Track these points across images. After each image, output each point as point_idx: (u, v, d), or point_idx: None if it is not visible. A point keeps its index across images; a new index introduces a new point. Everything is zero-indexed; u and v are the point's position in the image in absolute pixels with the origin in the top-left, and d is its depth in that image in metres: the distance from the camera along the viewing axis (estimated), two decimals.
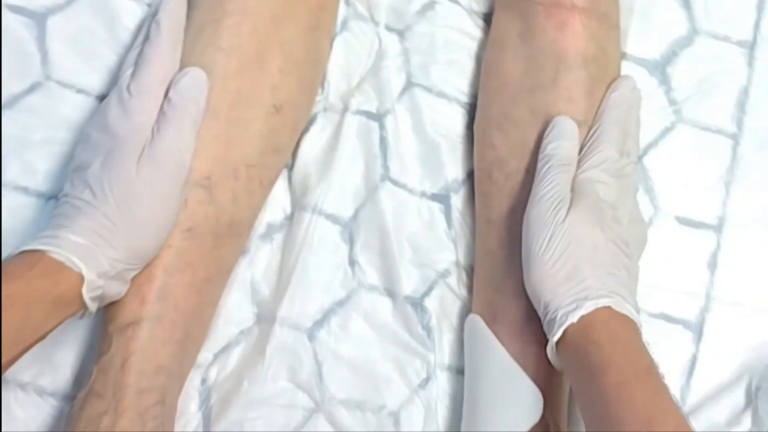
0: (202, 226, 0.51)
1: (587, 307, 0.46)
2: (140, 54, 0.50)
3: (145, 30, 0.52)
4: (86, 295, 0.45)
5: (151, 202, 0.47)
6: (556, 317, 0.46)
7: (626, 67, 0.60)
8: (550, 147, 0.50)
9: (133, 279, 0.50)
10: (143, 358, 0.49)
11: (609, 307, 0.46)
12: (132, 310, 0.49)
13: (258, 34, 0.53)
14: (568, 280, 0.47)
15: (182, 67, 0.52)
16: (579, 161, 0.52)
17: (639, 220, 0.51)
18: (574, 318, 0.45)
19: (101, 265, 0.45)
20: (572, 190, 0.50)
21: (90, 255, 0.45)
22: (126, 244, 0.46)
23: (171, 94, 0.49)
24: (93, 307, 0.46)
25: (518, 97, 0.54)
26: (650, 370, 0.44)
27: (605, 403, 0.42)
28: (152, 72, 0.49)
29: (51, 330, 0.45)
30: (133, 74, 0.50)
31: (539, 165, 0.51)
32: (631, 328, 0.46)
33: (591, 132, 0.52)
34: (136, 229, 0.47)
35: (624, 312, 0.46)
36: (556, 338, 0.46)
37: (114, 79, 0.57)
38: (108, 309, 0.51)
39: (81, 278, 0.45)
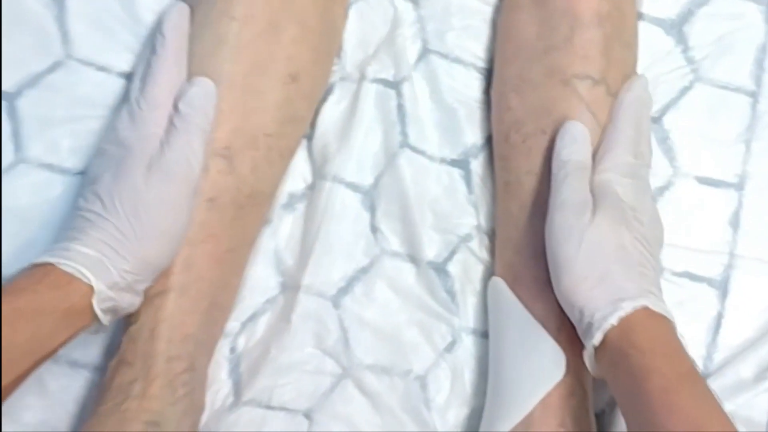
0: (224, 197, 0.52)
1: (625, 309, 0.46)
2: (147, 66, 0.51)
3: (152, 43, 0.53)
4: (97, 307, 0.46)
5: (160, 212, 0.48)
6: (593, 321, 0.47)
7: (642, 27, 0.61)
8: (565, 152, 0.51)
9: None
10: (171, 327, 0.51)
11: (646, 307, 0.46)
12: (158, 282, 0.51)
13: (271, 4, 0.54)
14: (602, 282, 0.47)
15: (192, 40, 0.53)
16: (595, 162, 0.52)
17: (657, 220, 0.52)
18: (613, 320, 0.46)
19: (111, 277, 0.46)
20: (591, 192, 0.50)
21: (100, 266, 0.46)
22: (136, 255, 0.47)
23: (180, 105, 0.50)
24: (105, 320, 0.46)
25: (533, 59, 0.55)
26: (693, 374, 0.45)
27: (650, 410, 0.43)
28: (160, 83, 0.50)
29: (63, 343, 0.45)
30: (141, 86, 0.50)
31: (555, 170, 0.51)
32: (669, 328, 0.47)
33: (605, 132, 0.53)
34: (146, 240, 0.47)
35: (660, 311, 0.47)
36: (597, 342, 0.46)
37: (135, 56, 0.59)
38: None
39: (91, 290, 0.45)
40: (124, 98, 0.51)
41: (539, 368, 0.51)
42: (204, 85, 0.51)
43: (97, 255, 0.46)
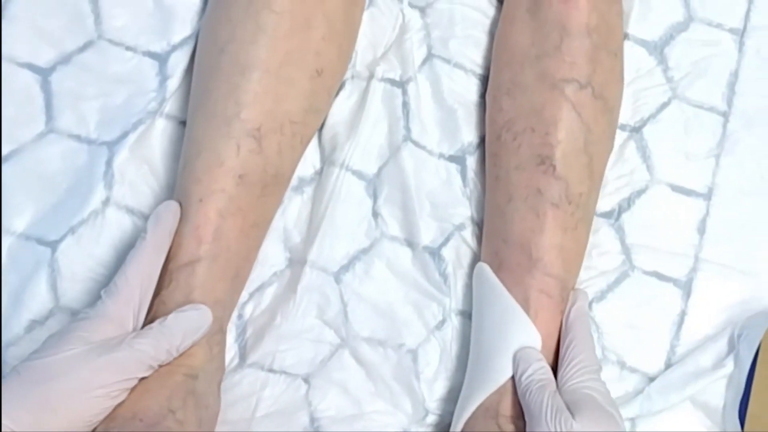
0: (252, 174, 0.60)
1: None
2: (132, 254, 0.55)
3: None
4: None
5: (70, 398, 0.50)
6: None
7: (627, 46, 0.70)
8: (525, 376, 0.55)
9: (191, 222, 0.58)
10: (203, 293, 0.57)
11: None
12: (190, 251, 0.58)
13: (306, 3, 0.62)
14: None
15: (231, 20, 0.60)
16: (562, 370, 0.57)
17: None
18: None
19: None
20: (566, 400, 0.54)
21: None
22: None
23: (174, 325, 0.55)
24: None
25: (525, 64, 0.64)
26: None
27: None
28: (129, 277, 0.54)
29: None
30: (122, 269, 0.54)
31: (521, 392, 0.55)
32: None
33: (564, 342, 0.58)
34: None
35: None
36: None
37: (159, 35, 0.66)
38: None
39: None
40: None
41: (516, 347, 0.59)
42: (201, 314, 0.56)
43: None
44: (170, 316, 0.54)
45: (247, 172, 0.59)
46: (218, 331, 0.57)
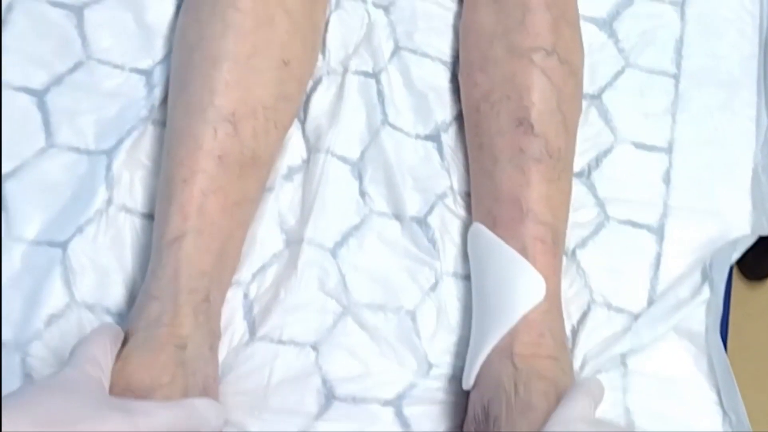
0: (230, 156, 0.69)
1: None
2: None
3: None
4: None
5: None
6: None
7: (581, 24, 0.82)
8: None
9: (176, 201, 0.67)
10: (189, 264, 0.65)
11: None
12: (177, 226, 0.66)
13: (267, 1, 0.72)
14: None
15: (200, 21, 0.71)
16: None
17: None
18: None
19: None
20: None
21: None
22: None
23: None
24: None
25: (493, 41, 0.75)
26: None
27: None
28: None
29: None
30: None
31: None
32: None
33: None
34: None
35: None
36: None
37: (143, 53, 0.76)
38: (156, 228, 0.68)
39: None
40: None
41: (522, 292, 0.68)
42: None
43: None
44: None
45: (225, 153, 0.67)
46: (204, 300, 0.64)
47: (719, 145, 0.80)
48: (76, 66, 0.77)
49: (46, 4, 0.78)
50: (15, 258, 0.70)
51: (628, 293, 0.74)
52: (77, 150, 0.75)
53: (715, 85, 0.82)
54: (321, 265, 0.73)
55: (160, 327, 0.64)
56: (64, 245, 0.70)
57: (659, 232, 0.77)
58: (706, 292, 0.72)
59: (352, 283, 0.73)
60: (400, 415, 0.68)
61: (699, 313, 0.73)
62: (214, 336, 0.67)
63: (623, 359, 0.72)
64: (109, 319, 0.70)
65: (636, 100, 0.81)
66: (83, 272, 0.70)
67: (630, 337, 0.72)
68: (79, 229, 0.71)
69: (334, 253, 0.74)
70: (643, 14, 0.84)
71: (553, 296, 0.69)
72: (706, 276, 0.73)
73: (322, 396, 0.68)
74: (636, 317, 0.73)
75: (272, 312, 0.71)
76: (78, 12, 0.79)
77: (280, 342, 0.70)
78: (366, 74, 0.80)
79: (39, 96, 0.76)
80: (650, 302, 0.74)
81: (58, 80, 0.77)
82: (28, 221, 0.72)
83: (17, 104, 0.75)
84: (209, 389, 0.63)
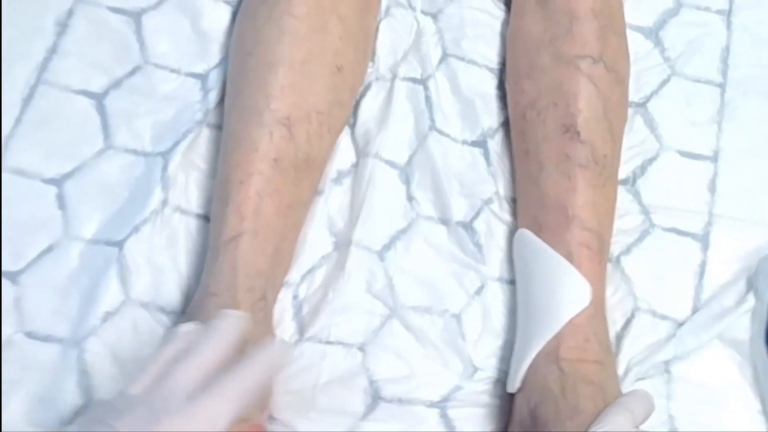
0: (285, 159, 0.70)
1: None
2: None
3: None
4: None
5: None
6: None
7: (627, 33, 0.82)
8: None
9: (233, 202, 0.68)
10: (246, 264, 0.67)
11: None
12: (234, 226, 0.68)
13: (322, 8, 0.74)
14: None
15: (256, 27, 0.73)
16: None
17: None
18: None
19: None
20: None
21: None
22: None
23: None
24: None
25: (540, 49, 0.76)
26: None
27: None
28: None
29: None
30: None
31: None
32: None
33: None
34: None
35: None
36: None
37: (199, 58, 0.78)
38: (213, 228, 0.70)
39: None
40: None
41: (568, 296, 0.68)
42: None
43: None
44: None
45: (280, 156, 0.69)
46: (262, 298, 0.66)
47: (765, 155, 0.80)
48: (134, 70, 0.79)
49: (106, 10, 0.80)
50: (73, 256, 0.72)
51: (673, 301, 0.74)
52: (134, 152, 0.76)
53: (762, 95, 0.82)
54: (368, 268, 0.74)
55: None
56: (120, 244, 0.72)
57: (704, 240, 0.77)
58: (750, 300, 0.72)
59: (398, 285, 0.74)
60: (444, 416, 0.69)
61: (743, 321, 0.73)
62: (269, 334, 0.68)
63: (667, 366, 0.72)
64: (162, 318, 0.71)
65: (682, 108, 0.81)
66: (138, 271, 0.71)
67: (674, 344, 0.73)
68: (135, 229, 0.72)
69: (381, 255, 0.75)
70: (689, 23, 0.84)
71: (598, 302, 0.69)
72: (750, 285, 0.73)
73: (368, 396, 0.69)
74: (680, 325, 0.74)
75: (320, 313, 0.72)
76: (136, 18, 0.80)
77: (328, 342, 0.72)
78: (414, 80, 0.80)
79: (98, 99, 0.77)
80: (694, 310, 0.75)
81: (116, 84, 0.78)
82: (87, 221, 0.74)
83: (77, 107, 0.77)
84: (264, 385, 0.64)
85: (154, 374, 0.53)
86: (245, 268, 0.67)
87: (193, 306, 0.68)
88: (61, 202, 0.73)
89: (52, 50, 0.78)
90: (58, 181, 0.74)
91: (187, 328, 0.56)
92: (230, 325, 0.56)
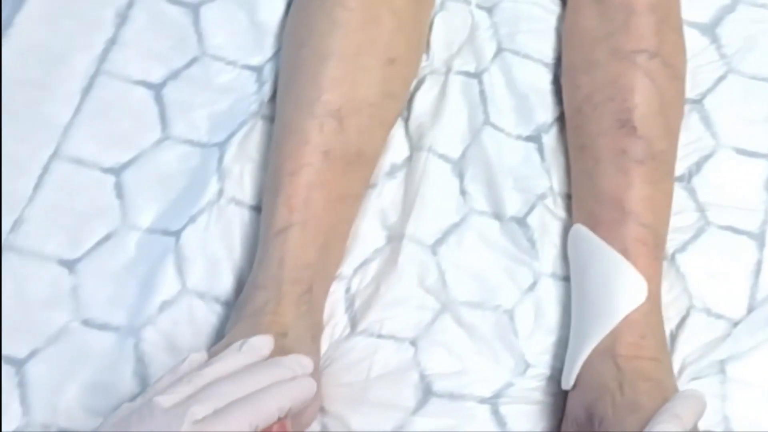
0: (335, 151, 0.70)
1: None
2: None
3: None
4: None
5: None
6: None
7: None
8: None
9: (283, 193, 0.69)
10: (294, 256, 0.67)
11: None
12: (283, 218, 0.68)
13: (374, 0, 0.73)
14: None
15: (309, 18, 0.73)
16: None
17: None
18: None
19: None
20: None
21: None
22: None
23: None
24: None
25: (596, 44, 0.75)
26: None
27: None
28: None
29: None
30: None
31: None
32: None
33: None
34: None
35: None
36: None
37: (255, 50, 0.78)
38: (263, 219, 0.70)
39: None
40: None
41: (624, 293, 0.67)
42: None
43: None
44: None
45: (331, 148, 0.68)
46: (307, 291, 0.65)
47: None
48: (192, 61, 0.79)
49: (164, 2, 0.80)
50: (130, 245, 0.73)
51: (728, 299, 0.73)
52: (191, 142, 0.76)
53: None
54: (421, 262, 0.73)
55: (265, 315, 0.65)
56: (177, 234, 0.72)
57: (760, 239, 0.76)
58: None
59: (450, 280, 0.73)
60: (496, 413, 0.68)
61: None
62: (316, 327, 0.68)
63: (722, 366, 0.71)
64: (217, 308, 0.71)
65: (738, 105, 0.80)
66: (194, 261, 0.72)
67: (729, 344, 0.71)
68: (192, 219, 0.73)
69: (433, 250, 0.74)
70: (746, 20, 0.83)
71: (654, 299, 0.68)
72: None
73: (419, 391, 0.69)
74: (735, 324, 0.72)
75: (372, 306, 0.72)
76: (194, 9, 0.80)
77: (380, 336, 0.71)
78: (468, 74, 0.80)
79: (156, 90, 0.78)
80: (750, 309, 0.73)
81: (174, 75, 0.78)
82: (144, 210, 0.74)
83: (136, 97, 0.78)
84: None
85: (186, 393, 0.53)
86: (292, 259, 0.67)
87: (241, 299, 0.68)
88: (119, 191, 0.73)
89: (112, 41, 0.78)
90: (116, 171, 0.74)
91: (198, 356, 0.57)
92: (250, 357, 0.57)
